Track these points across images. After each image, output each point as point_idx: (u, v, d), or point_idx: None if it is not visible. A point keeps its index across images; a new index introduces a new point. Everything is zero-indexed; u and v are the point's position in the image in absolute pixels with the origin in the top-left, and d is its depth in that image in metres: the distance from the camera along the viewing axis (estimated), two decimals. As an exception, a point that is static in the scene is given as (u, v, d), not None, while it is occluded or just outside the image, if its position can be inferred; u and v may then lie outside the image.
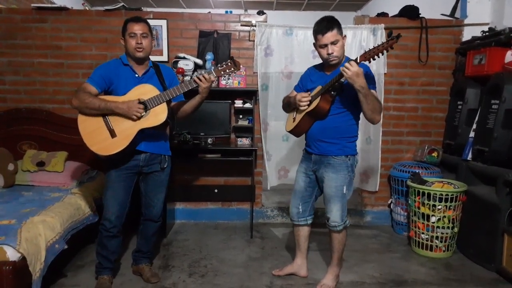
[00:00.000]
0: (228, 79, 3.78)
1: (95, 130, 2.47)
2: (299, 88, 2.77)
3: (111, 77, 2.54)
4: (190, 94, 2.61)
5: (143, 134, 2.51)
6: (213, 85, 3.77)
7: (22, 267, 2.25)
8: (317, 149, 2.61)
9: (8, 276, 2.17)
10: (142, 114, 2.44)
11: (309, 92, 2.59)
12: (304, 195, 2.76)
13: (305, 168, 2.74)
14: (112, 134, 2.46)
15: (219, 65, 2.57)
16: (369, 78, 2.47)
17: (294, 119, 2.70)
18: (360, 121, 2.65)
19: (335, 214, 2.58)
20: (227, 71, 2.55)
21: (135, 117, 2.42)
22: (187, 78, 3.68)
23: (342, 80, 2.35)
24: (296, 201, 2.78)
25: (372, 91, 2.42)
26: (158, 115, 2.48)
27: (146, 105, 2.46)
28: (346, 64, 2.25)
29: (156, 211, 2.76)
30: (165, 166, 2.70)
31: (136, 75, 2.58)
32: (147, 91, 2.49)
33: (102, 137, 2.46)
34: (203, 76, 2.49)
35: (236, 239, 3.66)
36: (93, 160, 3.56)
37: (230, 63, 2.55)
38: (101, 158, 2.51)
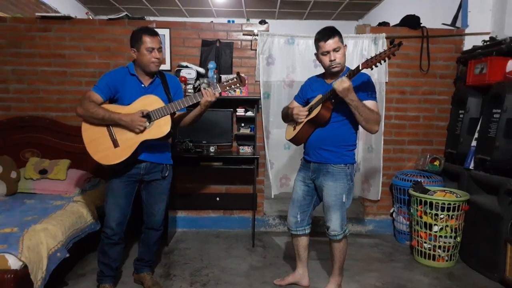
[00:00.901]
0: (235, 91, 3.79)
1: (98, 139, 2.48)
2: (299, 97, 2.79)
3: (117, 86, 2.54)
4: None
5: (145, 145, 2.51)
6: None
7: (24, 275, 2.24)
8: (316, 157, 2.61)
9: (10, 285, 2.16)
10: (145, 126, 2.45)
11: (305, 108, 2.62)
12: (303, 204, 2.75)
13: (303, 177, 2.74)
14: (115, 144, 2.47)
15: (224, 80, 2.59)
16: (369, 87, 2.50)
17: (294, 127, 2.71)
18: (362, 130, 2.66)
19: (335, 223, 2.57)
20: (233, 86, 2.58)
21: (138, 131, 2.44)
22: (190, 86, 3.70)
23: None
24: (294, 210, 2.77)
25: (368, 101, 2.46)
26: (161, 127, 2.49)
27: (150, 117, 2.47)
28: (338, 80, 2.34)
29: (158, 220, 2.76)
30: (166, 174, 2.70)
31: (142, 85, 2.58)
32: (151, 102, 2.50)
33: (105, 146, 2.47)
34: (209, 91, 2.52)
35: (238, 247, 3.65)
36: (95, 168, 3.58)
37: (236, 79, 2.57)
38: (104, 166, 2.53)
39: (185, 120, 2.73)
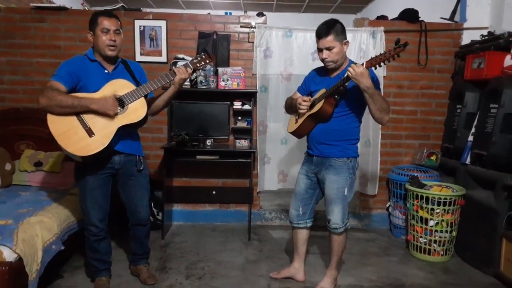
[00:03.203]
0: (228, 80, 3.76)
1: (69, 130, 2.30)
2: (302, 89, 2.78)
3: (79, 73, 2.38)
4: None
5: (120, 133, 2.40)
6: (212, 86, 3.78)
7: (19, 267, 2.24)
8: (319, 151, 2.61)
9: (4, 277, 2.16)
10: (119, 110, 2.35)
11: (309, 98, 2.60)
12: (305, 197, 2.75)
13: (306, 170, 2.74)
14: (90, 133, 2.32)
15: (193, 58, 2.56)
16: (374, 82, 2.48)
17: (296, 120, 2.70)
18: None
19: (336, 216, 2.57)
20: (203, 63, 2.55)
21: (112, 113, 2.31)
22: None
23: (347, 84, 2.37)
24: (296, 203, 2.77)
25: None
26: (137, 111, 2.40)
27: (123, 101, 2.37)
28: (352, 65, 2.28)
29: (144, 215, 2.70)
30: (141, 168, 2.62)
31: (106, 71, 2.47)
32: (122, 86, 2.40)
33: (79, 137, 2.30)
34: (181, 69, 2.47)
35: (234, 241, 3.65)
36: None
37: (205, 55, 2.55)
38: (76, 160, 2.41)
39: (157, 103, 2.62)
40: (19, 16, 3.83)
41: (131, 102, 2.39)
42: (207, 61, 2.55)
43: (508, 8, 3.60)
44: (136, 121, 2.40)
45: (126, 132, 2.47)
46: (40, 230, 2.47)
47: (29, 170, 3.43)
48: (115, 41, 2.41)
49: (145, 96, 2.46)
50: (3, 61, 3.86)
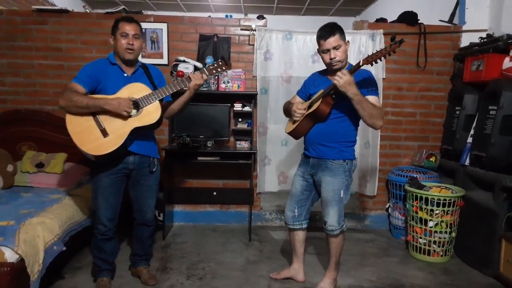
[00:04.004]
0: (228, 82, 3.79)
1: (85, 130, 2.39)
2: (302, 92, 2.79)
3: (99, 76, 2.47)
4: (177, 94, 2.63)
5: (134, 135, 2.47)
6: (213, 88, 3.80)
7: (20, 268, 2.25)
8: (315, 153, 2.62)
9: (6, 278, 2.17)
10: (133, 111, 2.40)
11: (305, 105, 2.62)
12: (301, 198, 2.76)
13: (302, 172, 2.75)
14: (104, 133, 2.39)
15: (210, 64, 2.59)
16: (370, 83, 2.50)
17: (294, 121, 2.72)
18: (359, 126, 2.67)
19: (332, 218, 2.58)
20: (219, 70, 2.58)
21: (125, 113, 2.37)
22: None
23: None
24: (292, 205, 2.79)
25: (370, 97, 2.45)
26: (151, 114, 2.45)
27: (138, 104, 2.43)
28: (338, 73, 2.31)
29: (149, 216, 2.74)
30: (154, 169, 2.66)
31: (125, 75, 2.54)
32: (138, 89, 2.46)
33: (94, 137, 2.39)
34: (197, 75, 2.52)
35: (235, 242, 3.66)
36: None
37: (221, 62, 2.58)
38: (90, 158, 2.46)
39: (173, 108, 2.68)
40: (20, 18, 3.86)
41: (146, 105, 2.45)
42: (224, 68, 2.59)
43: (507, 10, 3.62)
44: (150, 123, 2.46)
45: (141, 134, 2.52)
46: (41, 231, 2.48)
47: (30, 171, 3.44)
48: (133, 44, 2.48)
49: (161, 100, 2.51)
50: (4, 63, 3.88)
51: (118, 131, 2.41)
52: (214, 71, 2.59)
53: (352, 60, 3.64)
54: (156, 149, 2.74)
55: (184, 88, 2.57)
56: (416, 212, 3.36)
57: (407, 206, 3.51)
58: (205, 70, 2.57)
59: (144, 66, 2.65)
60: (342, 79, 2.29)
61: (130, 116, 2.41)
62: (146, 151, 2.61)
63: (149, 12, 4.62)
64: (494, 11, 3.79)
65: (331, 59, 2.47)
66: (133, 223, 2.80)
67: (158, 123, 2.51)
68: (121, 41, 2.47)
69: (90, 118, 2.41)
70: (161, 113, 2.49)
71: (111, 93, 2.45)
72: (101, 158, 2.42)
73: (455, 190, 3.34)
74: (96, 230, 2.60)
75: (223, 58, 2.60)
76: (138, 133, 2.48)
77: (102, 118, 2.41)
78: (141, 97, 2.44)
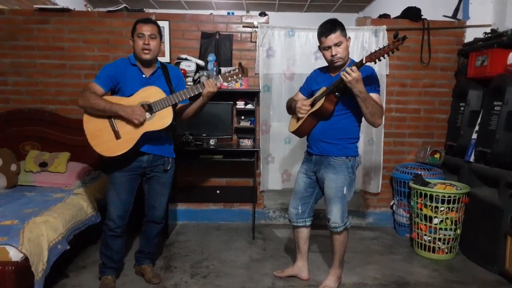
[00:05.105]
0: (237, 82, 3.78)
1: (100, 131, 2.47)
2: (304, 89, 2.78)
3: (118, 77, 2.54)
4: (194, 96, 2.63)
5: (147, 136, 2.51)
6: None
7: (25, 267, 2.26)
8: (318, 150, 2.61)
9: (11, 277, 2.17)
10: (145, 119, 2.45)
11: (309, 102, 2.61)
12: (304, 196, 2.75)
13: (305, 169, 2.75)
14: (117, 135, 2.46)
15: (226, 71, 2.59)
16: (373, 80, 2.48)
17: (297, 120, 2.70)
18: (363, 123, 2.65)
19: (335, 215, 2.58)
20: (235, 77, 2.57)
21: (136, 122, 2.42)
22: (189, 79, 3.68)
23: (342, 85, 2.37)
24: (295, 202, 2.78)
25: (373, 94, 2.44)
26: (163, 119, 2.49)
27: (151, 108, 2.47)
28: (347, 69, 2.29)
29: (159, 213, 2.77)
30: (168, 168, 2.69)
31: (144, 76, 2.58)
32: (152, 93, 2.50)
33: (107, 138, 2.46)
34: (211, 82, 2.53)
35: (238, 240, 3.66)
36: (95, 161, 3.57)
37: (239, 69, 2.57)
38: (105, 158, 2.52)
39: (187, 112, 2.72)
40: (22, 17, 3.85)
41: (159, 109, 2.48)
42: (240, 75, 2.58)
43: (511, 5, 3.59)
44: (160, 128, 2.49)
45: (155, 135, 2.55)
46: (45, 230, 2.49)
47: (34, 170, 3.45)
48: (149, 44, 2.50)
49: (174, 105, 2.54)
50: (7, 63, 3.88)
51: (129, 135, 2.47)
52: (229, 78, 2.58)
53: (355, 57, 3.64)
54: (171, 148, 2.75)
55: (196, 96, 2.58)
56: (421, 209, 3.34)
57: (412, 203, 3.49)
58: (220, 77, 2.56)
59: (163, 66, 2.67)
60: (351, 76, 2.27)
61: (141, 124, 2.45)
62: (159, 151, 2.63)
63: (151, 10, 4.60)
64: (498, 5, 3.75)
65: (332, 56, 2.46)
66: (142, 221, 2.82)
67: (170, 127, 2.54)
68: (138, 41, 2.51)
69: (106, 120, 2.48)
70: (173, 117, 2.52)
71: (128, 94, 2.51)
72: (115, 158, 2.47)
73: (459, 186, 3.31)
74: (106, 226, 2.63)
75: (241, 65, 2.58)
76: (150, 135, 2.51)
77: (116, 121, 2.47)
78: (155, 102, 2.47)
